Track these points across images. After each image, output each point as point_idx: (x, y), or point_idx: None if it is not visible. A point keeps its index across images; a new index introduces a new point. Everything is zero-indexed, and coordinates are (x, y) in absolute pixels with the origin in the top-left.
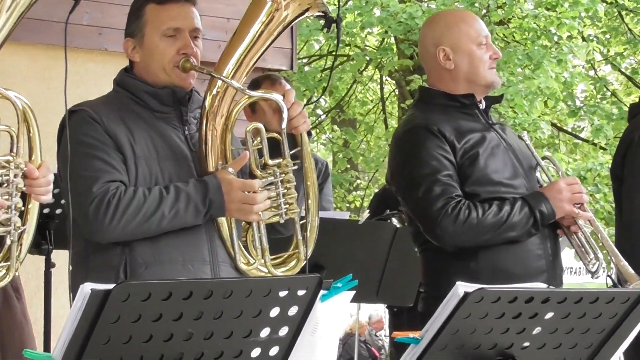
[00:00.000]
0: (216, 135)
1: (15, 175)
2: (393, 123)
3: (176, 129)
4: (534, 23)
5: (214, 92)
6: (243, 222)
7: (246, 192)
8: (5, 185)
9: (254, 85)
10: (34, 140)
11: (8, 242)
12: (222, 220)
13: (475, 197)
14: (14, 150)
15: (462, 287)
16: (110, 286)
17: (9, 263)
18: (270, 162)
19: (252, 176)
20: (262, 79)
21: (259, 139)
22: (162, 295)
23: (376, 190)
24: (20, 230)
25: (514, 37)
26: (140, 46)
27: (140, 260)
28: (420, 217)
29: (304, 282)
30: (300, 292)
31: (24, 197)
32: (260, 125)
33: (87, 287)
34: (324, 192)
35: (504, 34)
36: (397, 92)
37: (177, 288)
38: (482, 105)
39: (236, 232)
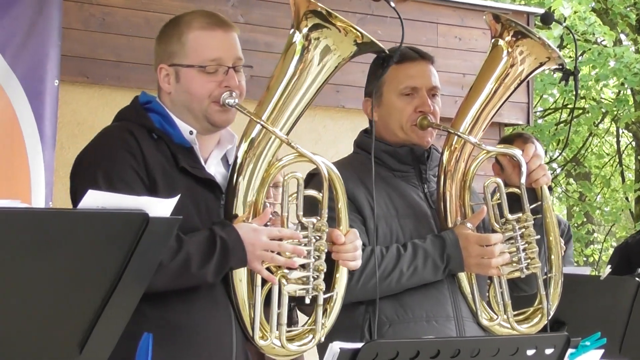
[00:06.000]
0: (455, 192)
1: (318, 238)
2: (630, 176)
3: (416, 187)
4: None
5: (452, 148)
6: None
7: (484, 247)
8: (304, 244)
9: (506, 142)
10: (342, 210)
11: (307, 300)
12: (462, 276)
13: None
14: (319, 215)
15: None
16: (359, 345)
17: (314, 327)
18: (509, 216)
19: (492, 231)
20: (514, 136)
21: (498, 194)
22: (409, 354)
23: (614, 244)
24: (326, 295)
25: None
26: (378, 105)
27: (384, 318)
28: None
29: (552, 340)
30: (548, 351)
31: (333, 265)
32: (499, 180)
33: (335, 346)
34: (566, 254)
35: None
36: (634, 145)
37: (425, 347)
38: None
39: (477, 287)
